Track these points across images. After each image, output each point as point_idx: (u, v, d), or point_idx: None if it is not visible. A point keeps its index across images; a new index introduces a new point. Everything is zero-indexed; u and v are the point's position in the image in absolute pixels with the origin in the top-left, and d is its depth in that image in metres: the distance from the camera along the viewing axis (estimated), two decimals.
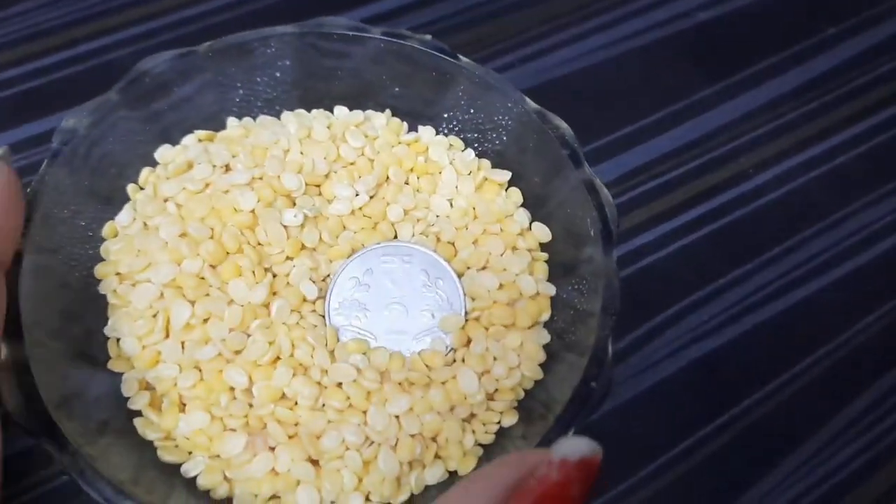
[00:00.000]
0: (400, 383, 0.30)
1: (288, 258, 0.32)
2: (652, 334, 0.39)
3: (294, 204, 0.33)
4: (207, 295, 0.31)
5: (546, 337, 0.32)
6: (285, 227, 0.32)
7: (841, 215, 0.44)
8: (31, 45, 0.45)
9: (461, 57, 0.35)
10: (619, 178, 0.44)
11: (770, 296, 0.41)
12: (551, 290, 0.33)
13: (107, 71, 0.44)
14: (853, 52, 0.52)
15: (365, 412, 0.29)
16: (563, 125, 0.33)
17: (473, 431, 0.30)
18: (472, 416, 0.30)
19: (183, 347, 0.30)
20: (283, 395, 0.29)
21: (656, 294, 0.40)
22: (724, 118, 0.48)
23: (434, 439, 0.30)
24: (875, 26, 0.54)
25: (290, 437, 0.29)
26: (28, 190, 0.29)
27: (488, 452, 0.30)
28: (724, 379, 0.38)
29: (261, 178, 0.33)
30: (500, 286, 0.32)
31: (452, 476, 0.30)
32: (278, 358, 0.30)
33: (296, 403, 0.29)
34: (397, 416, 0.29)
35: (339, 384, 0.30)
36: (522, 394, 0.31)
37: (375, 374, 0.30)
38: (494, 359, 0.31)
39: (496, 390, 0.31)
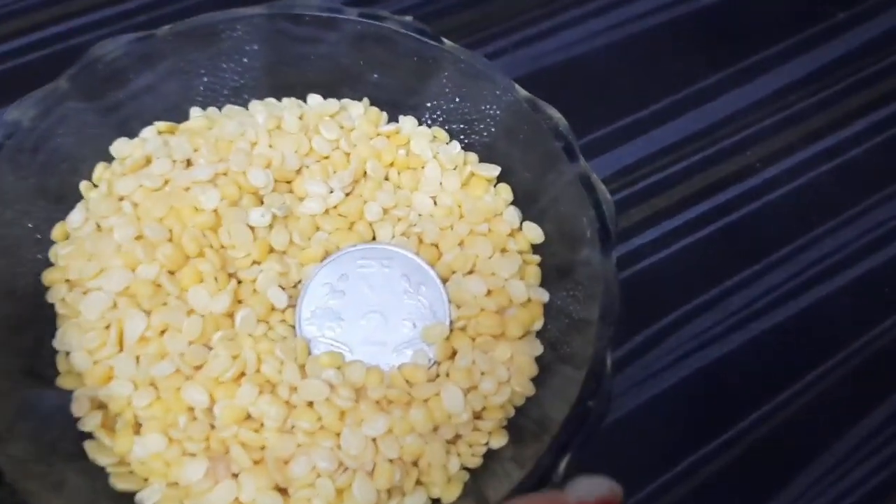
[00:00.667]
0: (378, 401, 0.27)
1: (254, 262, 0.29)
2: (652, 342, 0.37)
3: (261, 202, 0.30)
4: (165, 304, 0.28)
5: (539, 348, 0.29)
6: (252, 227, 0.29)
7: (855, 212, 0.42)
8: None
9: (445, 40, 0.32)
10: (618, 173, 0.41)
11: (779, 299, 0.38)
12: (544, 296, 0.30)
13: (63, 60, 0.40)
14: (864, 38, 0.49)
15: (338, 434, 0.27)
16: (557, 115, 0.30)
17: (459, 454, 0.28)
18: (458, 437, 0.28)
19: (138, 362, 0.27)
20: (248, 416, 0.27)
21: (657, 298, 0.38)
22: (729, 108, 0.45)
23: (415, 464, 0.27)
24: (886, 11, 0.51)
25: (255, 463, 0.26)
26: None
27: (475, 477, 0.28)
28: (730, 390, 0.36)
29: (225, 174, 0.30)
30: (489, 292, 0.30)
31: None
32: (243, 374, 0.27)
33: (262, 425, 0.27)
34: (374, 439, 0.27)
35: (311, 403, 0.27)
36: (513, 412, 0.29)
37: (350, 391, 0.27)
38: (482, 373, 0.28)
39: (484, 408, 0.28)
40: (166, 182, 0.30)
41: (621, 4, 0.48)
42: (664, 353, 0.36)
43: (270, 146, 0.31)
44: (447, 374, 0.28)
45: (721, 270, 0.39)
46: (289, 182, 0.31)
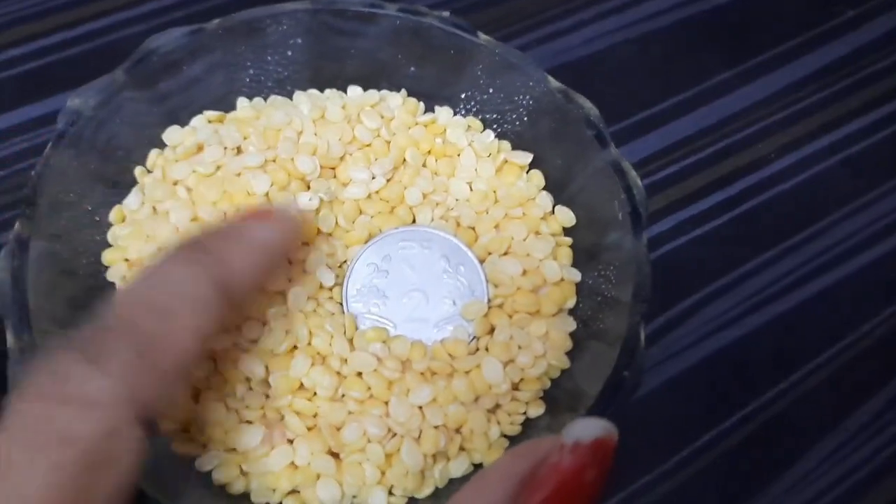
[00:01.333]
0: (422, 373, 0.29)
1: (304, 244, 0.31)
2: (672, 325, 0.38)
3: (308, 187, 0.32)
4: None
5: (572, 324, 0.31)
6: (301, 211, 0.31)
7: (863, 202, 0.43)
8: (34, 25, 0.43)
9: (480, 34, 0.33)
10: (636, 164, 0.42)
11: (791, 285, 0.40)
12: (576, 275, 0.32)
13: (113, 50, 0.42)
14: (874, 34, 0.51)
15: (386, 403, 0.28)
16: (588, 104, 0.32)
17: (499, 423, 0.29)
18: (497, 406, 0.29)
19: None
20: (302, 386, 0.28)
21: (675, 283, 0.39)
22: (742, 102, 0.47)
23: (458, 431, 0.29)
24: (895, 8, 0.52)
25: (308, 430, 0.28)
26: (32, 173, 0.28)
27: (514, 444, 0.29)
28: (746, 370, 0.37)
29: (274, 161, 0.32)
30: (524, 272, 0.31)
31: (477, 469, 0.29)
32: (295, 347, 0.29)
33: (314, 394, 0.28)
34: (420, 407, 0.28)
35: (359, 374, 0.28)
36: (549, 383, 0.30)
37: (396, 363, 0.28)
38: (519, 347, 0.30)
39: (521, 380, 0.29)
40: (218, 168, 0.31)
41: (639, 3, 0.50)
42: (683, 336, 0.38)
43: (315, 135, 0.33)
44: (486, 349, 0.30)
45: (736, 257, 0.41)
46: (333, 168, 0.33)
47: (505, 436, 0.29)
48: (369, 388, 0.28)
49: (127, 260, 0.30)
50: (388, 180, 0.33)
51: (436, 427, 0.28)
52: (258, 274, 0.25)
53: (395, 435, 0.28)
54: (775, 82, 0.48)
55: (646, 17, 0.49)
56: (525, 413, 0.30)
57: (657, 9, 0.50)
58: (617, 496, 0.34)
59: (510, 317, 0.31)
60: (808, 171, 0.44)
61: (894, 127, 0.47)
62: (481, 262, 0.32)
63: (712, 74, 0.47)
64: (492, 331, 0.30)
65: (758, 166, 0.44)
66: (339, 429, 0.28)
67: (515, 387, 0.29)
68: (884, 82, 0.49)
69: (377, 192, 0.33)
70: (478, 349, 0.30)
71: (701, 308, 0.39)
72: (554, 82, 0.32)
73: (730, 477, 0.35)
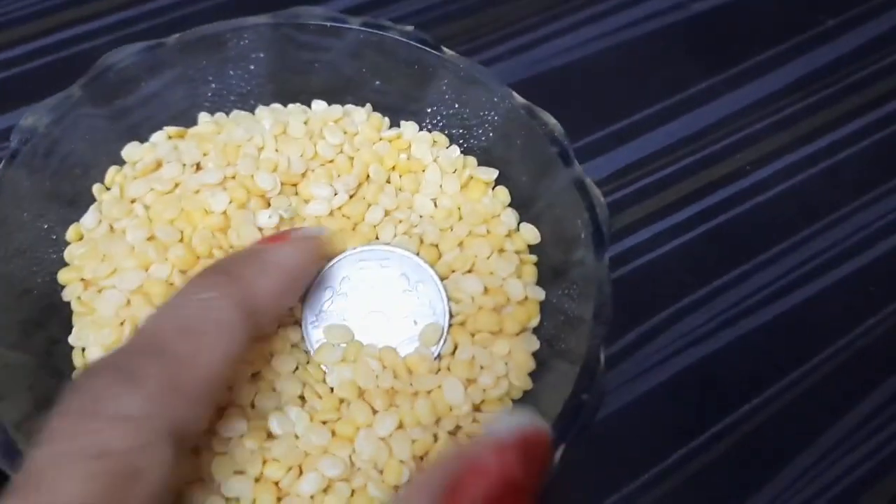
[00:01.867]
0: (387, 391, 0.28)
1: None
2: (644, 339, 0.38)
3: (269, 205, 0.31)
4: None
5: (535, 343, 0.30)
6: (260, 229, 0.30)
7: (842, 213, 0.43)
8: None
9: (445, 49, 0.33)
10: (612, 175, 0.42)
11: (768, 298, 0.40)
12: (540, 294, 0.31)
13: (72, 64, 0.42)
14: (854, 44, 0.51)
15: (351, 441, 0.28)
16: (552, 121, 0.32)
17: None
18: (458, 428, 0.29)
19: None
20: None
21: (649, 297, 0.39)
22: (720, 113, 0.46)
23: (422, 458, 0.28)
24: (876, 17, 0.52)
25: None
26: None
27: None
28: (720, 386, 0.37)
29: (233, 178, 0.31)
30: (486, 290, 0.31)
31: None
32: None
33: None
34: (384, 439, 0.28)
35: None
36: (510, 404, 0.30)
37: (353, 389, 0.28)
38: (481, 367, 0.29)
39: (483, 401, 0.29)
40: (177, 185, 0.31)
41: (615, 12, 0.50)
42: (655, 350, 0.38)
43: (277, 150, 0.32)
44: (448, 368, 0.29)
45: (711, 270, 0.40)
46: (294, 185, 0.32)
47: None
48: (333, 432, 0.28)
49: (83, 279, 0.30)
50: (350, 196, 0.32)
51: (401, 461, 0.27)
52: (282, 296, 0.26)
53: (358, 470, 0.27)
54: (754, 92, 0.48)
55: (622, 27, 0.49)
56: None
57: (633, 18, 0.50)
58: None
59: (472, 336, 0.30)
60: (787, 182, 0.44)
61: (873, 137, 0.47)
62: (444, 279, 0.31)
63: (690, 84, 0.47)
64: (454, 349, 0.30)
65: (736, 177, 0.44)
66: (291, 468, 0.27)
67: (476, 408, 0.29)
68: (863, 92, 0.48)
69: (339, 208, 0.32)
70: (440, 369, 0.30)
71: (673, 323, 0.38)
72: (518, 98, 0.32)
73: (701, 496, 0.34)
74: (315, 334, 0.30)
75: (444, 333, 0.30)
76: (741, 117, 0.46)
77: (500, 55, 0.46)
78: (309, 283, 0.29)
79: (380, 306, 0.30)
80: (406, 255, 0.31)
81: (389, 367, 0.29)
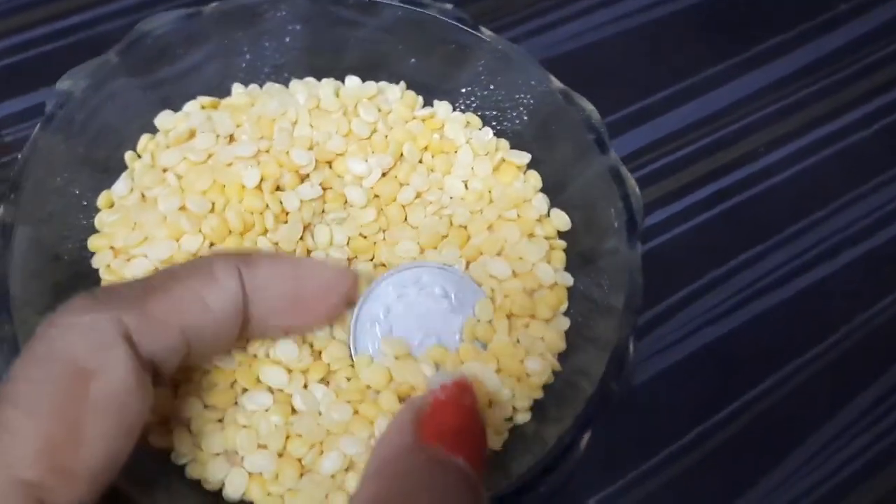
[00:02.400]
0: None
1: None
2: (660, 320, 0.38)
3: (302, 180, 0.31)
4: None
5: (566, 323, 0.30)
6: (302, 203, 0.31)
7: (853, 196, 0.43)
8: (20, 16, 0.43)
9: (483, 29, 0.33)
10: (626, 157, 0.42)
11: (782, 279, 0.40)
12: (569, 280, 0.31)
13: (100, 43, 0.41)
14: (866, 28, 0.51)
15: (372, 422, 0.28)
16: (590, 107, 0.31)
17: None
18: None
19: None
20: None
21: (664, 277, 0.39)
22: (733, 96, 0.46)
23: None
24: (886, 2, 0.52)
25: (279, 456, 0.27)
26: (18, 156, 0.28)
27: (500, 453, 0.29)
28: (736, 364, 0.37)
29: (267, 152, 0.31)
30: (514, 274, 0.31)
31: None
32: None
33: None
34: None
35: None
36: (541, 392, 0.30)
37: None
38: (526, 352, 0.29)
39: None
40: (210, 156, 0.31)
41: None
42: (672, 330, 0.38)
43: (312, 126, 0.32)
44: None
45: (725, 251, 0.41)
46: (329, 162, 0.32)
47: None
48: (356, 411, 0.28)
49: (112, 248, 0.30)
50: (383, 174, 0.32)
51: None
52: (279, 294, 0.25)
53: None
54: (766, 76, 0.48)
55: (637, 10, 0.49)
56: (512, 419, 0.29)
57: (647, 2, 0.50)
58: (604, 492, 0.34)
59: (508, 318, 0.30)
60: (801, 164, 0.44)
61: (886, 120, 0.47)
62: (471, 262, 0.31)
63: (705, 66, 0.47)
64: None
65: (750, 159, 0.44)
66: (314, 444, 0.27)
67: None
68: (876, 76, 0.49)
69: (371, 187, 0.32)
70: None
71: (690, 302, 0.39)
72: (556, 82, 0.32)
73: (718, 473, 0.35)
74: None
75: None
76: (753, 101, 0.46)
77: (516, 38, 0.46)
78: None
79: (432, 331, 0.30)
80: (439, 269, 0.30)
81: (441, 362, 0.29)
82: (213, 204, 0.30)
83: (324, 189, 0.31)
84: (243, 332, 0.25)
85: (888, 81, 0.48)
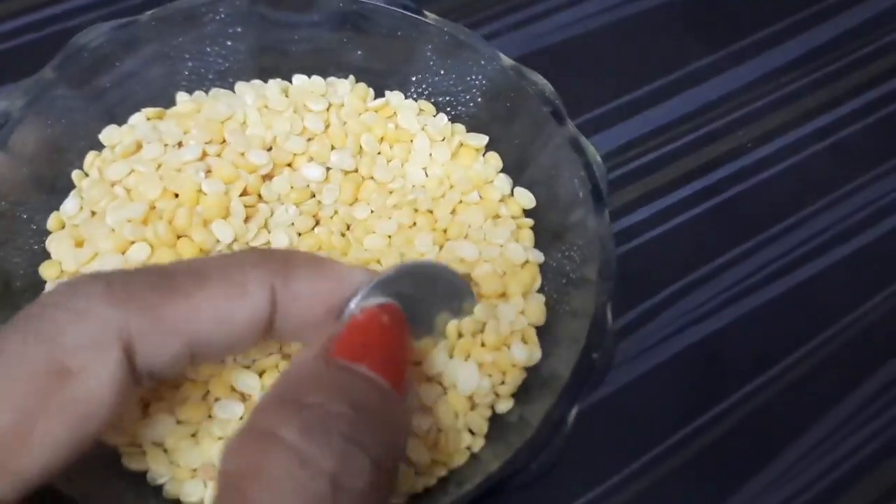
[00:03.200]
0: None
1: None
2: (646, 317, 0.37)
3: (263, 181, 0.31)
4: None
5: (541, 298, 0.30)
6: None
7: (845, 191, 0.43)
8: None
9: (428, 13, 0.32)
10: (612, 152, 0.42)
11: (771, 276, 0.39)
12: (540, 257, 0.31)
13: (43, 47, 0.40)
14: (855, 21, 0.50)
15: None
16: (542, 80, 0.31)
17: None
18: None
19: None
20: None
21: (650, 275, 0.38)
22: (721, 89, 0.46)
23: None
24: None
25: None
26: None
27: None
28: (723, 364, 0.37)
29: (218, 156, 0.30)
30: (483, 256, 0.30)
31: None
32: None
33: None
34: None
35: None
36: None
37: None
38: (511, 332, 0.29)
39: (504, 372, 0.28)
40: (159, 166, 0.30)
41: None
42: (657, 329, 0.37)
43: (269, 127, 0.31)
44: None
45: (714, 248, 0.40)
46: (289, 164, 0.31)
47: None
48: None
49: (64, 271, 0.29)
50: (346, 174, 0.31)
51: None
52: (312, 310, 0.22)
53: None
54: (756, 69, 0.47)
55: (623, 2, 0.48)
56: (492, 407, 0.28)
57: None
58: (589, 495, 0.33)
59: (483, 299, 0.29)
60: (790, 159, 0.43)
61: (877, 114, 0.46)
62: (440, 247, 0.30)
63: (691, 60, 0.46)
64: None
65: (738, 154, 0.43)
66: None
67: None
68: (867, 68, 0.48)
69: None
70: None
71: (676, 300, 0.38)
72: (506, 59, 0.31)
73: (705, 475, 0.34)
74: None
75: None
76: (742, 94, 0.46)
77: (499, 30, 0.45)
78: None
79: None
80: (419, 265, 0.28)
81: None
82: (163, 212, 0.29)
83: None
84: (260, 341, 0.22)
85: (879, 74, 0.48)
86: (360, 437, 0.18)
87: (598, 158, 0.29)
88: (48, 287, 0.29)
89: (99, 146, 0.31)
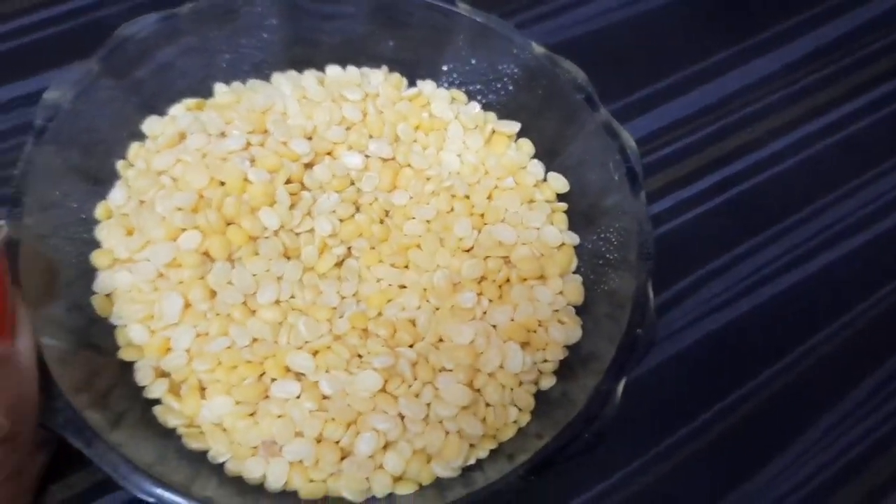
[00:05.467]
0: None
1: None
2: (668, 305, 0.38)
3: (306, 168, 0.31)
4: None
5: (578, 279, 0.31)
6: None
7: (856, 184, 0.44)
8: (4, 5, 0.41)
9: (460, 3, 0.33)
10: None
11: (786, 266, 0.40)
12: (575, 239, 0.32)
13: (83, 33, 0.40)
14: (867, 17, 0.51)
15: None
16: (575, 68, 0.32)
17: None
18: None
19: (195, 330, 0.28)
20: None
21: (670, 264, 0.39)
22: (737, 84, 0.47)
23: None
24: None
25: (317, 442, 0.28)
26: (15, 172, 0.27)
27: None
28: (741, 351, 0.38)
29: (261, 145, 0.31)
30: (519, 239, 0.31)
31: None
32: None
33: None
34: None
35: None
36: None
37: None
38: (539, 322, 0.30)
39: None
40: (204, 155, 0.31)
41: None
42: (679, 317, 0.38)
43: (309, 117, 0.32)
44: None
45: (731, 239, 0.41)
46: (329, 153, 0.32)
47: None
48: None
49: (116, 259, 0.29)
50: (384, 161, 0.32)
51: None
52: None
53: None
54: (770, 64, 0.48)
55: None
56: (536, 384, 0.30)
57: None
58: (612, 478, 0.34)
59: (523, 280, 0.30)
60: (805, 152, 0.44)
61: (885, 110, 0.47)
62: (479, 231, 0.31)
63: (711, 54, 0.47)
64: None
65: (753, 148, 0.44)
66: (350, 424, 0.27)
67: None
68: (881, 63, 0.49)
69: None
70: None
71: (697, 289, 0.39)
72: (538, 48, 0.32)
73: (725, 458, 0.35)
74: None
75: None
76: (757, 89, 0.47)
77: (523, 23, 0.46)
78: None
79: None
80: None
81: None
82: (211, 200, 0.30)
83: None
84: None
85: (891, 70, 0.49)
86: None
87: (633, 143, 0.30)
88: (98, 275, 0.29)
89: (138, 136, 0.32)
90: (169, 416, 0.27)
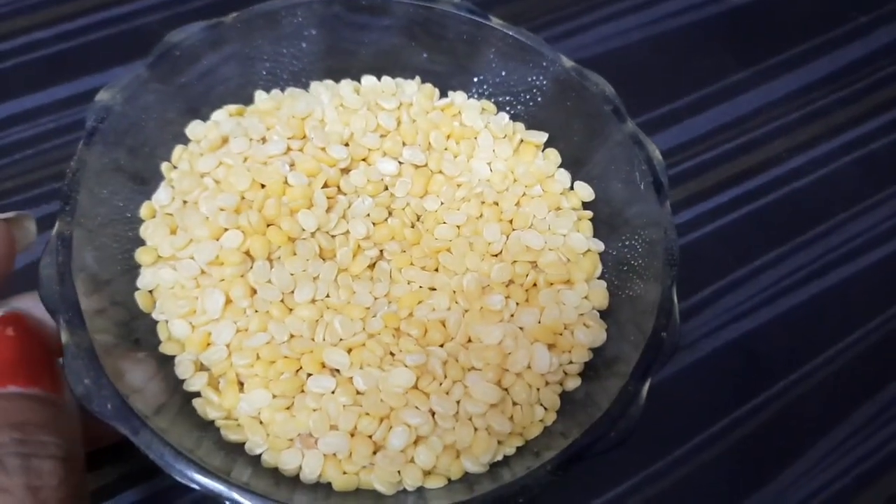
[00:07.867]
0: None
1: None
2: (687, 315, 0.39)
3: (342, 173, 0.33)
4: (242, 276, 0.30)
5: (602, 284, 0.32)
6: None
7: (873, 201, 0.45)
8: (59, 8, 0.43)
9: (492, 18, 0.34)
10: None
11: (804, 279, 0.42)
12: (600, 246, 0.33)
13: (131, 38, 0.42)
14: (884, 40, 0.53)
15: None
16: (602, 81, 0.33)
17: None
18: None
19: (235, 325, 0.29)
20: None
21: (691, 276, 0.40)
22: (756, 102, 0.48)
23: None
24: None
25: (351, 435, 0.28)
26: (67, 170, 0.28)
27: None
28: (760, 361, 0.39)
29: (301, 150, 0.32)
30: (547, 245, 0.32)
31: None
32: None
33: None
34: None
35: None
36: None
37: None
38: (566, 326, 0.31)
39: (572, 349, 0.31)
40: (246, 159, 0.32)
41: (656, 3, 0.52)
42: (697, 326, 0.39)
43: (346, 124, 0.33)
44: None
45: (750, 251, 0.42)
46: (364, 159, 0.33)
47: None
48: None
49: (160, 257, 0.30)
50: (416, 167, 0.34)
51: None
52: None
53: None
54: (789, 84, 0.49)
55: (662, 17, 0.51)
56: (562, 384, 0.30)
57: (673, 9, 0.52)
58: (628, 482, 0.35)
59: (550, 285, 0.31)
60: (822, 169, 0.46)
61: None
62: (507, 236, 0.32)
63: (727, 75, 0.49)
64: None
65: (773, 164, 0.45)
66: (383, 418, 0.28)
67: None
68: (892, 87, 0.50)
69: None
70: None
71: (715, 300, 0.40)
72: (568, 61, 0.33)
73: (740, 466, 0.36)
74: None
75: None
76: (776, 107, 0.48)
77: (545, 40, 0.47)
78: None
79: None
80: None
81: None
82: (253, 202, 0.31)
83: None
84: None
85: None
86: (34, 449, 0.21)
87: (658, 153, 0.31)
88: (142, 272, 0.30)
89: (181, 139, 0.33)
90: (208, 408, 0.28)
